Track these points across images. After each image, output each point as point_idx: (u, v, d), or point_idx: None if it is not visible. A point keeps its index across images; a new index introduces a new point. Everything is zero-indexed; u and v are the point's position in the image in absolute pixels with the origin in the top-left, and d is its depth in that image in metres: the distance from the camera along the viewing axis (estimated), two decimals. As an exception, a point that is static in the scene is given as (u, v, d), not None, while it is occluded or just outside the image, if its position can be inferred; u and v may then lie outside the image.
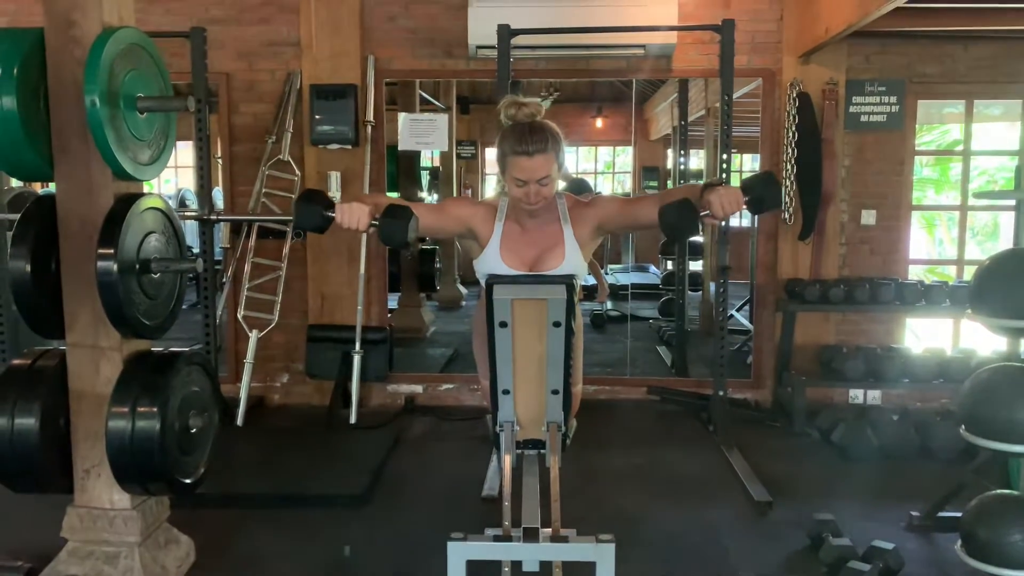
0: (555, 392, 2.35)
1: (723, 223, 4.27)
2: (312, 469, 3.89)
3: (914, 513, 3.28)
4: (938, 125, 8.32)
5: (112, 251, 2.31)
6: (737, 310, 6.93)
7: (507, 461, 2.47)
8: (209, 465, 2.69)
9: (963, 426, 2.61)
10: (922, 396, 4.79)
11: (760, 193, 1.99)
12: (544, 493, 2.34)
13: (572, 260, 2.33)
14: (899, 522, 3.29)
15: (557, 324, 2.23)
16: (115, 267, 2.31)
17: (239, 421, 4.55)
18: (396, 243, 2.00)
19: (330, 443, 4.31)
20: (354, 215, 2.01)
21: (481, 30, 4.44)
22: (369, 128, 4.82)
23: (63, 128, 2.40)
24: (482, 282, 2.33)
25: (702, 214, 1.99)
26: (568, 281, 2.24)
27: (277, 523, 3.31)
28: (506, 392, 2.37)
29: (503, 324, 2.24)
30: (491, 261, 2.33)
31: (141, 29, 2.56)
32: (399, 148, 5.18)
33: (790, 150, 4.71)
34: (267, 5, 4.88)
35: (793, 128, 4.69)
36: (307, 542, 3.16)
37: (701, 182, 2.15)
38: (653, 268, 9.24)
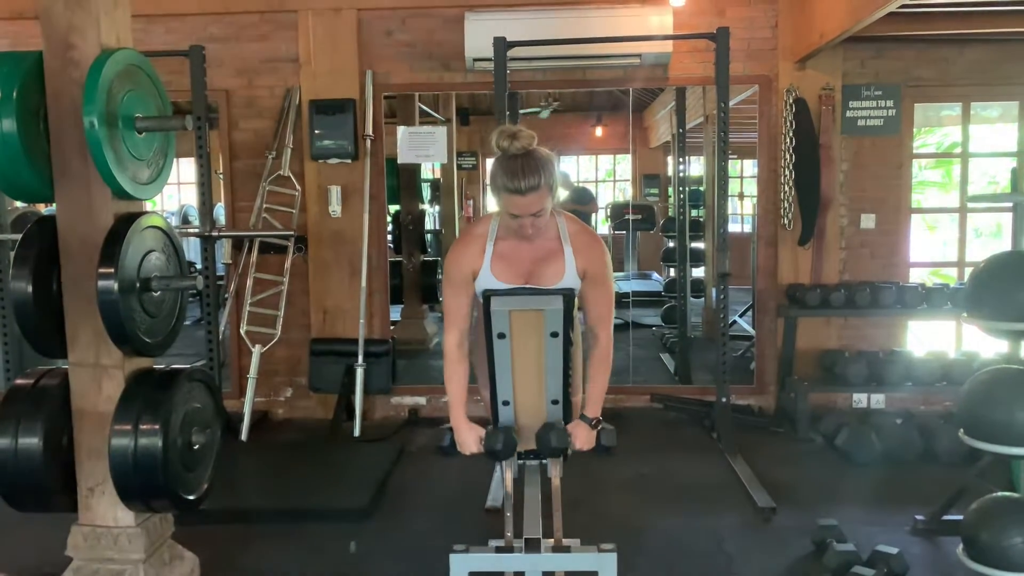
0: (555, 402, 2.36)
1: (722, 229, 4.31)
2: (316, 483, 3.90)
3: (919, 517, 3.28)
4: (939, 128, 8.33)
5: (112, 270, 2.32)
6: (740, 316, 6.93)
7: (508, 472, 2.48)
8: (213, 481, 2.70)
9: (962, 429, 2.61)
10: (925, 399, 4.79)
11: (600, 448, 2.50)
12: (546, 503, 2.35)
13: (571, 278, 2.34)
14: (904, 526, 3.29)
15: (555, 334, 2.24)
16: (116, 286, 2.32)
17: (243, 436, 4.56)
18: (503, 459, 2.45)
19: (334, 456, 4.31)
20: (470, 448, 2.43)
21: (478, 43, 4.47)
22: (368, 142, 4.85)
23: (63, 149, 2.42)
24: (479, 297, 2.34)
25: (571, 440, 2.39)
26: (566, 292, 2.26)
27: (282, 538, 3.32)
28: (506, 403, 2.39)
29: (501, 335, 2.26)
30: (483, 280, 2.34)
31: (142, 48, 2.58)
32: (399, 161, 5.21)
33: (788, 156, 4.72)
34: (265, 22, 4.92)
35: (790, 134, 4.71)
36: (312, 556, 3.17)
37: (598, 393, 2.47)
38: (656, 275, 9.26)
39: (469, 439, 2.42)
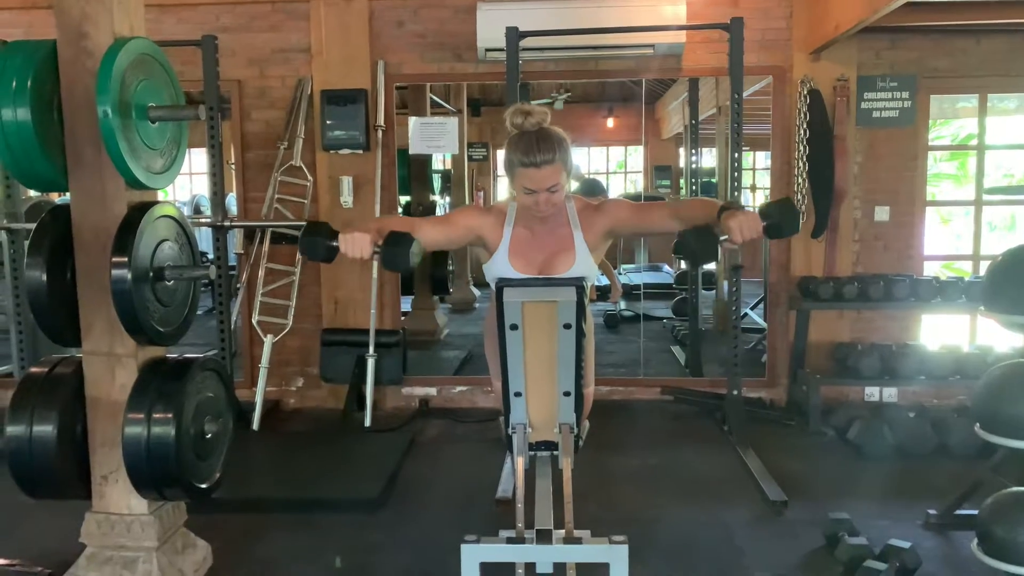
0: (567, 394, 2.35)
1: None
2: (327, 473, 3.91)
3: (931, 511, 3.26)
4: (954, 119, 8.26)
5: (126, 259, 2.33)
6: (751, 308, 6.90)
7: (520, 463, 2.47)
8: (224, 470, 2.71)
9: (978, 424, 2.59)
10: (938, 393, 4.75)
11: (778, 220, 1.99)
12: (557, 494, 2.34)
13: (583, 264, 2.33)
14: (916, 520, 3.27)
15: (567, 326, 2.23)
16: (129, 275, 2.33)
17: (255, 425, 4.58)
18: (399, 269, 2.04)
19: (345, 446, 4.33)
20: (356, 245, 2.05)
21: (489, 33, 4.45)
22: (380, 132, 4.85)
23: (76, 139, 2.43)
24: (492, 286, 2.34)
25: (721, 239, 1.99)
26: (578, 283, 2.25)
27: (293, 527, 3.33)
28: (518, 394, 2.38)
29: (513, 327, 2.25)
30: (500, 266, 2.34)
31: (154, 38, 2.58)
32: (410, 152, 5.20)
33: (802, 147, 4.69)
34: (277, 12, 4.91)
35: (804, 125, 4.67)
36: (323, 546, 3.18)
37: (717, 200, 2.16)
38: (666, 267, 9.23)
39: (363, 241, 2.05)
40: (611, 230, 2.36)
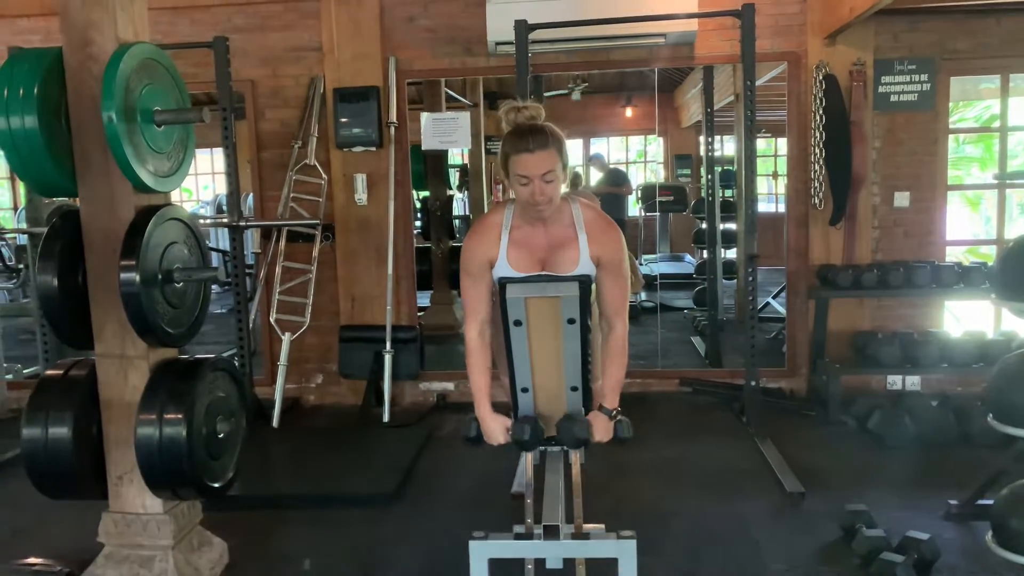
0: (574, 389, 2.35)
1: (750, 210, 4.24)
2: (345, 468, 3.95)
3: (952, 502, 3.21)
4: (979, 101, 8.09)
5: (134, 262, 2.36)
6: (773, 297, 6.82)
7: (529, 459, 2.48)
8: (239, 468, 2.74)
9: (991, 414, 2.54)
10: (962, 381, 4.67)
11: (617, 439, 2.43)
12: (568, 489, 2.34)
13: (586, 265, 2.32)
14: (937, 511, 3.22)
15: (571, 321, 2.22)
16: (138, 278, 2.36)
17: (275, 422, 4.62)
18: (530, 450, 2.43)
19: (363, 442, 4.36)
20: (494, 439, 2.47)
21: (499, 26, 4.44)
22: (393, 129, 4.86)
23: (84, 144, 2.46)
24: (496, 285, 2.33)
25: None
26: (581, 278, 2.24)
27: (310, 522, 3.36)
28: (525, 390, 2.38)
29: (517, 323, 2.25)
30: (500, 269, 2.33)
31: (168, 40, 2.62)
32: (423, 148, 5.20)
33: (818, 134, 4.62)
34: (288, 12, 4.93)
35: (820, 111, 4.60)
36: (339, 541, 3.20)
37: (613, 383, 2.43)
38: (688, 257, 9.15)
39: (496, 430, 2.43)
40: (598, 260, 2.34)
